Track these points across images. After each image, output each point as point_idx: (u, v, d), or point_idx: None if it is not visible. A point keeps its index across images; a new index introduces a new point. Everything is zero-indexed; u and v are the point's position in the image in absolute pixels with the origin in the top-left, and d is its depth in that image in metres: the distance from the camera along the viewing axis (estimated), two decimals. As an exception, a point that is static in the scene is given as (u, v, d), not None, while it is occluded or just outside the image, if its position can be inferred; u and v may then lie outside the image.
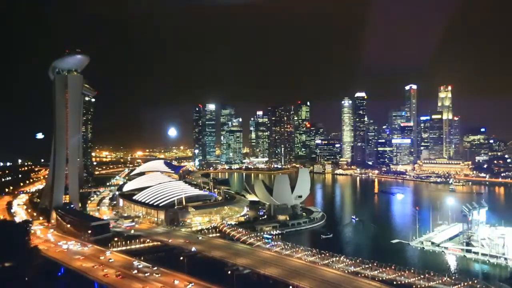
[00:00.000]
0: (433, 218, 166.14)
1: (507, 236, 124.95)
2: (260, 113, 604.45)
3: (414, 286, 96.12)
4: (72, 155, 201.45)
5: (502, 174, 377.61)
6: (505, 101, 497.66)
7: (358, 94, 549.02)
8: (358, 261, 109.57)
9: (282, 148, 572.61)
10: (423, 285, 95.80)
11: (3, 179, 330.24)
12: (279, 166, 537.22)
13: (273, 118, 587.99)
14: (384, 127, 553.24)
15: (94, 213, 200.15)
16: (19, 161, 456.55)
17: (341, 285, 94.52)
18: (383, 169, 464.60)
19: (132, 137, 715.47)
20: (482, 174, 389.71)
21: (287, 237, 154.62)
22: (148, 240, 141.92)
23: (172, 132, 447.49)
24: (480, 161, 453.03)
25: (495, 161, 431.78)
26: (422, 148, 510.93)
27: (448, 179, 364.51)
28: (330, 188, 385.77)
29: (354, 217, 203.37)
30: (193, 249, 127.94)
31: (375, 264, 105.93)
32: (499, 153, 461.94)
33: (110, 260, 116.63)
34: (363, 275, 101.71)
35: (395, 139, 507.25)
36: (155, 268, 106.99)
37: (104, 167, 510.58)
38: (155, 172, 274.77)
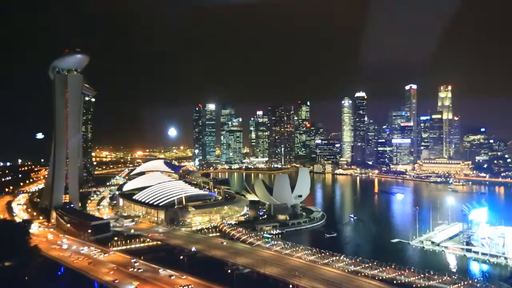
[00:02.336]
0: (433, 217, 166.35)
1: (507, 235, 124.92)
2: (260, 113, 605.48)
3: (414, 285, 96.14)
4: (72, 155, 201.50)
5: (502, 174, 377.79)
6: (505, 101, 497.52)
7: (358, 94, 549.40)
8: (358, 260, 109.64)
9: (282, 148, 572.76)
10: (423, 284, 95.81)
11: (3, 179, 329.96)
12: (279, 166, 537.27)
13: (273, 118, 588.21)
14: (384, 127, 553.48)
15: (94, 212, 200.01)
16: (19, 161, 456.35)
17: (341, 284, 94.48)
18: (383, 169, 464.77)
19: (132, 137, 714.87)
20: (482, 174, 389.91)
21: (287, 236, 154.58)
22: (148, 240, 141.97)
23: (172, 132, 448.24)
24: (480, 161, 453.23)
25: (495, 161, 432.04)
26: (422, 148, 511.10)
27: (448, 179, 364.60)
28: (330, 188, 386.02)
29: (352, 216, 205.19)
30: (193, 249, 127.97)
31: (375, 263, 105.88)
32: (499, 153, 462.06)
33: (140, 270, 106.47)
34: (363, 274, 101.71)
35: (395, 139, 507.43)
36: (184, 277, 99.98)
37: (104, 167, 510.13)
38: (155, 172, 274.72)
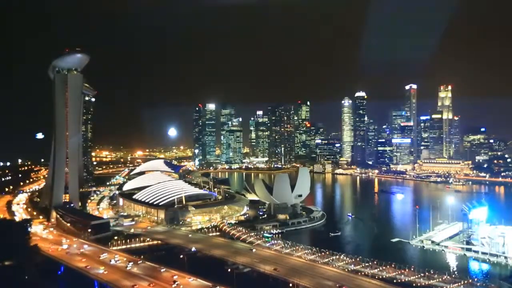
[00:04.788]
0: (433, 217, 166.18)
1: (507, 235, 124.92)
2: (260, 113, 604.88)
3: (414, 284, 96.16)
4: (72, 155, 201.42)
5: (502, 174, 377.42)
6: (505, 101, 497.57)
7: (358, 94, 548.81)
8: (358, 259, 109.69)
9: (282, 148, 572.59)
10: (423, 283, 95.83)
11: (3, 179, 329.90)
12: (279, 166, 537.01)
13: (273, 118, 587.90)
14: (384, 126, 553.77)
15: (94, 212, 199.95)
16: (19, 161, 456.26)
17: (341, 283, 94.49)
18: (383, 168, 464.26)
19: (132, 137, 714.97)
20: (482, 174, 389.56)
21: (287, 236, 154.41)
22: (148, 239, 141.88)
23: (172, 132, 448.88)
24: (480, 160, 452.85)
25: (495, 161, 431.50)
26: (422, 147, 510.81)
27: (448, 179, 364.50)
28: (330, 187, 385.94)
29: (350, 214, 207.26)
30: (193, 249, 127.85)
31: (375, 262, 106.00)
32: (499, 153, 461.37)
33: (177, 283, 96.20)
34: (363, 273, 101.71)
35: (395, 138, 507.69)
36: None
37: (104, 167, 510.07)
38: (155, 172, 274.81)
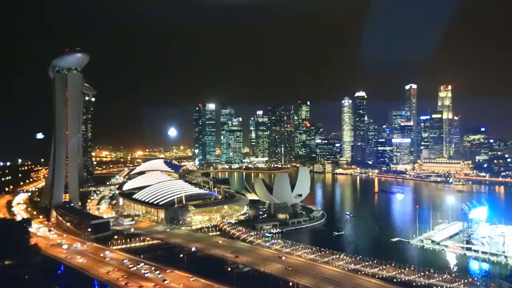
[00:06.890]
0: (433, 216, 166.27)
1: (507, 234, 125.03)
2: (260, 112, 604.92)
3: (414, 284, 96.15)
4: (72, 154, 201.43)
5: (502, 174, 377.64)
6: (505, 101, 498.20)
7: (358, 94, 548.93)
8: (358, 258, 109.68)
9: (282, 148, 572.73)
10: (423, 283, 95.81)
11: (3, 179, 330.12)
12: (279, 166, 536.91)
13: (273, 118, 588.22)
14: (384, 126, 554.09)
15: (94, 212, 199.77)
16: (19, 161, 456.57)
17: (341, 282, 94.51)
18: (383, 168, 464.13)
19: (132, 137, 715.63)
20: (482, 174, 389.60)
21: (287, 235, 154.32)
22: (148, 239, 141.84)
23: (172, 132, 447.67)
24: (480, 160, 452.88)
25: (495, 161, 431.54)
26: (422, 147, 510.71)
27: (448, 179, 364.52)
28: (330, 187, 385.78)
29: (348, 213, 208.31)
30: (193, 249, 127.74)
31: (375, 261, 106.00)
32: (499, 153, 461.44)
33: None
34: (363, 272, 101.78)
35: (395, 138, 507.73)
36: None
37: (104, 167, 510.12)
38: (155, 171, 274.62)
